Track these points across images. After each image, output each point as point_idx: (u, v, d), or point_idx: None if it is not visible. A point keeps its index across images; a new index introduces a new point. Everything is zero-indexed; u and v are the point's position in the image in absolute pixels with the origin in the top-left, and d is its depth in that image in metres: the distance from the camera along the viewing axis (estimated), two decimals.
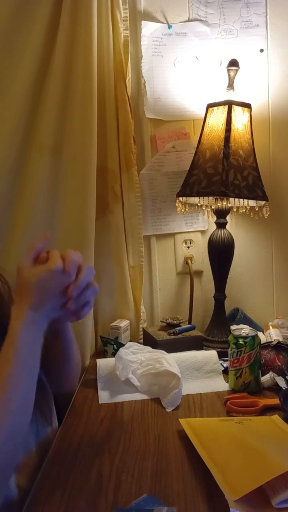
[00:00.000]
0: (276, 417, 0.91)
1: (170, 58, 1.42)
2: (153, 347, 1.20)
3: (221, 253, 1.34)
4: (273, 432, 0.86)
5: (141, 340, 1.38)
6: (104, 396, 1.06)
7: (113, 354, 1.17)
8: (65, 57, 1.28)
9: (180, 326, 1.33)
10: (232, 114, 1.27)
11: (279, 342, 1.17)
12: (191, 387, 1.09)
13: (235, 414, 0.95)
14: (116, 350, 1.15)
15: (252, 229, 1.48)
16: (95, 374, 1.13)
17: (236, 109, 1.29)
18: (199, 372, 1.14)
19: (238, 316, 1.39)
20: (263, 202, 1.29)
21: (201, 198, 1.32)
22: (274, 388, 1.05)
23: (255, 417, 0.93)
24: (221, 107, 1.29)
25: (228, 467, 0.71)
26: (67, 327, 0.89)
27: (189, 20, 1.41)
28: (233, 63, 1.33)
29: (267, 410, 0.95)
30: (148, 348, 1.18)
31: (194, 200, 1.36)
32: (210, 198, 1.32)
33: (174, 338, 1.27)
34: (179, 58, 1.42)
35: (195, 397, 1.05)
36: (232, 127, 1.27)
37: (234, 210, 1.36)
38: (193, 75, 1.43)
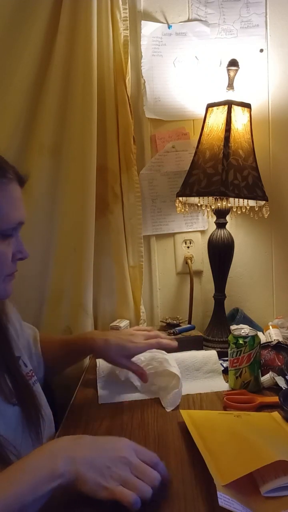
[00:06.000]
0: (276, 414, 0.91)
1: (170, 58, 1.42)
2: None
3: (221, 253, 1.34)
4: (270, 427, 0.87)
5: None
6: (104, 396, 1.06)
7: None
8: (65, 57, 1.28)
9: (180, 326, 1.32)
10: (232, 114, 1.27)
11: (279, 342, 1.17)
12: (191, 387, 1.09)
13: (232, 409, 0.96)
14: None
15: (252, 229, 1.48)
16: (94, 374, 1.13)
17: (236, 109, 1.29)
18: (199, 372, 1.14)
19: (238, 316, 1.39)
20: (263, 202, 1.29)
21: (201, 198, 1.32)
22: (274, 388, 1.05)
23: (254, 413, 0.94)
24: (221, 107, 1.29)
25: (221, 455, 0.73)
26: None
27: (189, 20, 1.41)
28: (233, 63, 1.33)
29: (263, 408, 0.96)
30: None
31: (194, 200, 1.36)
32: (210, 198, 1.32)
33: (174, 338, 1.27)
34: (179, 58, 1.42)
35: (195, 397, 1.05)
36: (232, 127, 1.27)
37: (234, 210, 1.36)
38: (193, 75, 1.43)
